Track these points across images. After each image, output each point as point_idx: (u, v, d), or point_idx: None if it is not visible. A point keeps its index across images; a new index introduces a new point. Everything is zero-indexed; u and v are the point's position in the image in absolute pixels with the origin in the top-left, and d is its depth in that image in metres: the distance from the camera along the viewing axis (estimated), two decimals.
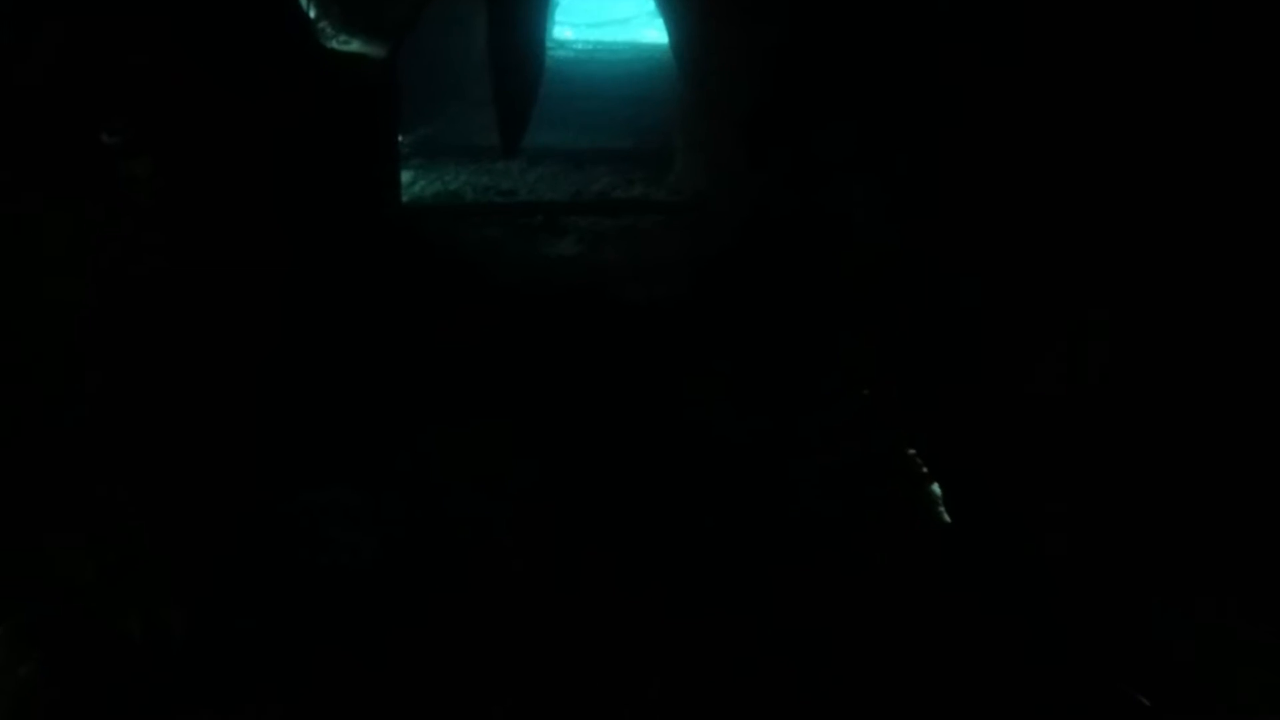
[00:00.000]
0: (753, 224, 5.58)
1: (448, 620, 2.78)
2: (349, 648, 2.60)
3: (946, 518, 3.37)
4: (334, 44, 5.27)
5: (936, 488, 3.50)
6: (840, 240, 4.36)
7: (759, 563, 3.14)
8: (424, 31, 8.51)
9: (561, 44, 12.18)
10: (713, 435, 3.95)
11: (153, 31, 2.76)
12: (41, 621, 2.91)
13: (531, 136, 8.50)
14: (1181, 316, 2.29)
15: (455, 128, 9.10)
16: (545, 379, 4.44)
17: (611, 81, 10.67)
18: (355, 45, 5.35)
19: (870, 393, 4.17)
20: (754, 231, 5.51)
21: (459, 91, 9.66)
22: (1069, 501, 2.78)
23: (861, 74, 3.95)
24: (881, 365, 4.11)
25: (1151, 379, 2.43)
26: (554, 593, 2.95)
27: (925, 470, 3.60)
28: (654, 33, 15.96)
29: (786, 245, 5.07)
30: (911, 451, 3.73)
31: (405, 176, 7.76)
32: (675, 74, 7.81)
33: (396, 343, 4.68)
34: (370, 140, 5.25)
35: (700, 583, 3.02)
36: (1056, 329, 2.83)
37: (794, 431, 3.96)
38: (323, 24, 5.30)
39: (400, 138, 8.51)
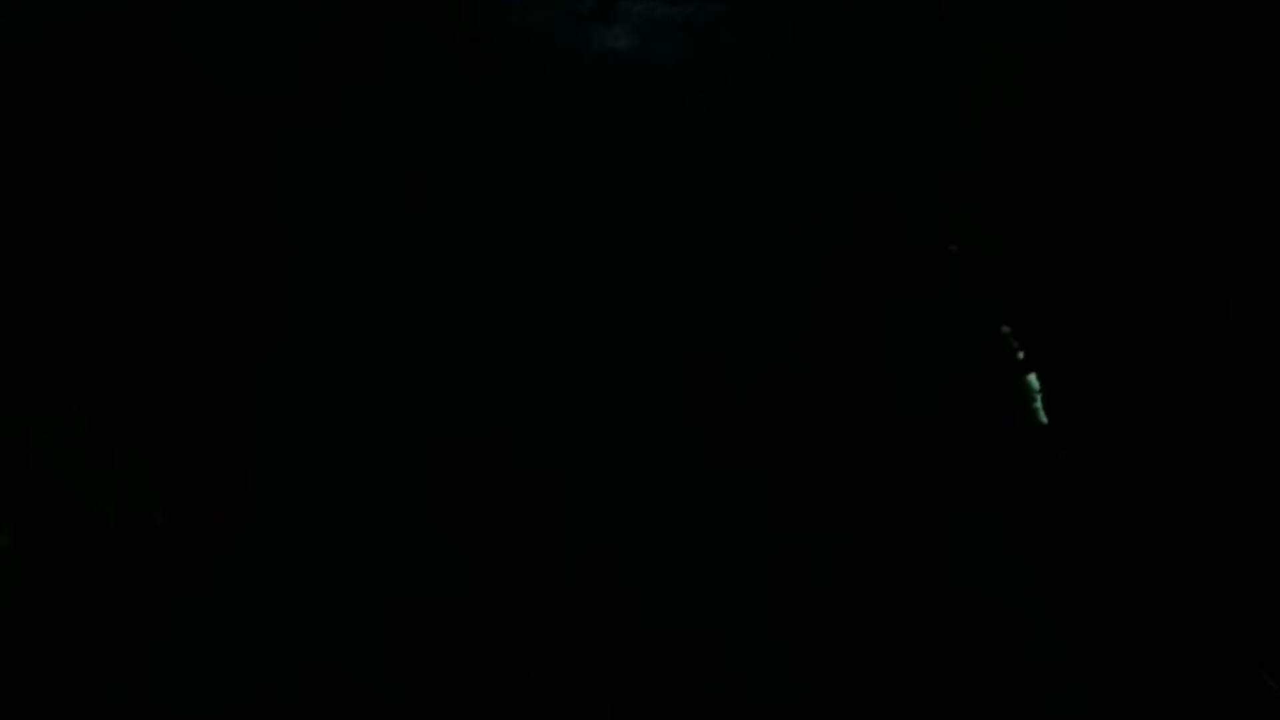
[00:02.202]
0: (844, 26, 4.74)
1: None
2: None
3: (1042, 418, 2.86)
4: None
5: (1034, 380, 2.97)
6: (967, 66, 3.59)
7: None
8: None
9: None
10: (760, 312, 3.40)
11: None
12: (14, 495, 2.58)
13: None
14: None
15: None
16: (572, 224, 3.86)
17: None
18: None
19: (961, 249, 3.55)
20: (845, 35, 4.68)
21: None
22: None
23: None
24: (984, 215, 3.46)
25: None
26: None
27: (1021, 356, 3.05)
28: None
29: (891, 60, 4.28)
30: (1006, 329, 3.16)
31: None
32: None
33: (409, 170, 4.09)
34: None
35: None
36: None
37: (858, 291, 3.40)
38: None
39: None
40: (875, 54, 4.37)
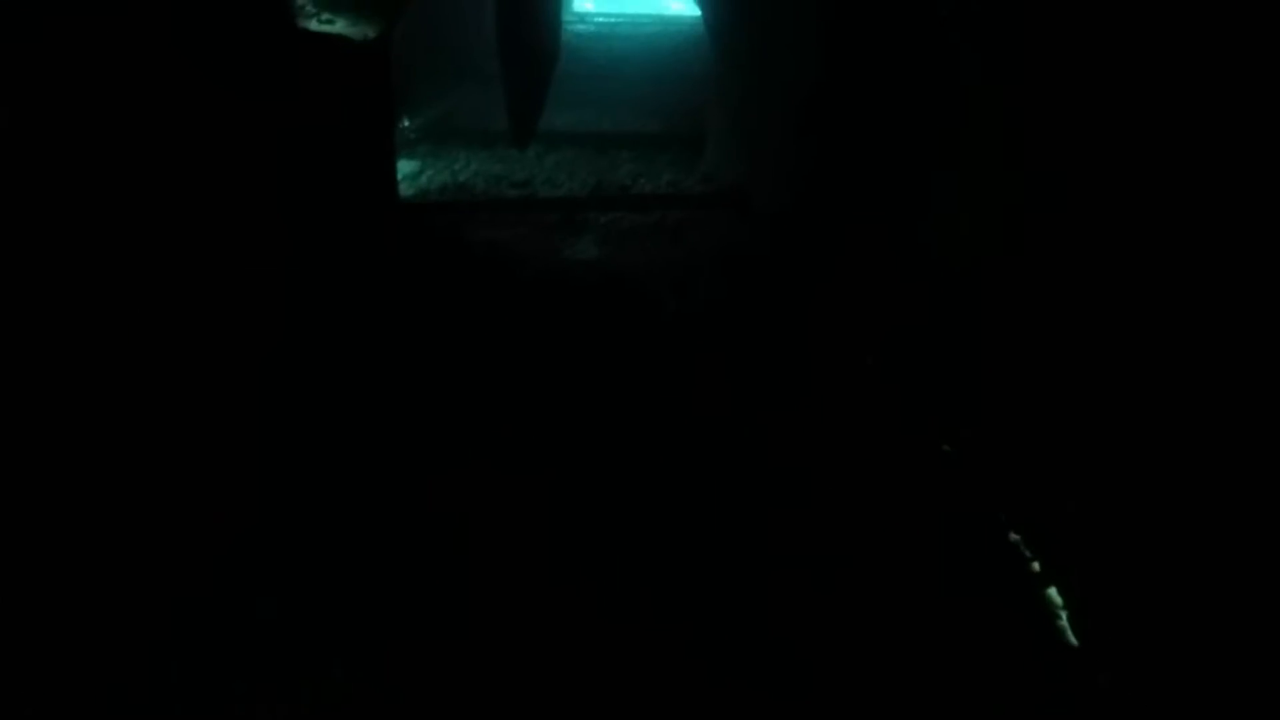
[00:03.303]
0: (803, 223, 4.72)
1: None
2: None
3: (1072, 640, 2.55)
4: (314, 24, 4.43)
5: (1054, 594, 2.67)
6: (927, 261, 3.50)
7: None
8: (432, 1, 7.66)
9: (581, 18, 11.22)
10: (740, 491, 3.14)
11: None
12: None
13: (549, 119, 7.60)
14: None
15: (468, 108, 8.24)
16: (554, 420, 3.64)
17: (636, 58, 9.74)
18: (340, 25, 4.50)
19: (958, 444, 3.33)
20: (804, 232, 4.66)
21: (472, 69, 8.80)
22: None
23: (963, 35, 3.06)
24: (978, 401, 3.26)
25: None
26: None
27: (1036, 566, 2.77)
28: (680, 4, 15.01)
29: (854, 251, 4.22)
30: (1015, 537, 2.89)
31: (411, 166, 6.95)
32: (706, 48, 6.93)
33: (384, 371, 3.89)
34: (356, 134, 4.42)
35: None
36: None
37: (842, 490, 3.14)
38: (301, 1, 4.46)
39: (406, 122, 7.71)
40: (846, 241, 4.31)
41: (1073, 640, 2.53)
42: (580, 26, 10.62)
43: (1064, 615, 2.60)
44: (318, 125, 3.77)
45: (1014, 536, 2.89)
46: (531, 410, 3.66)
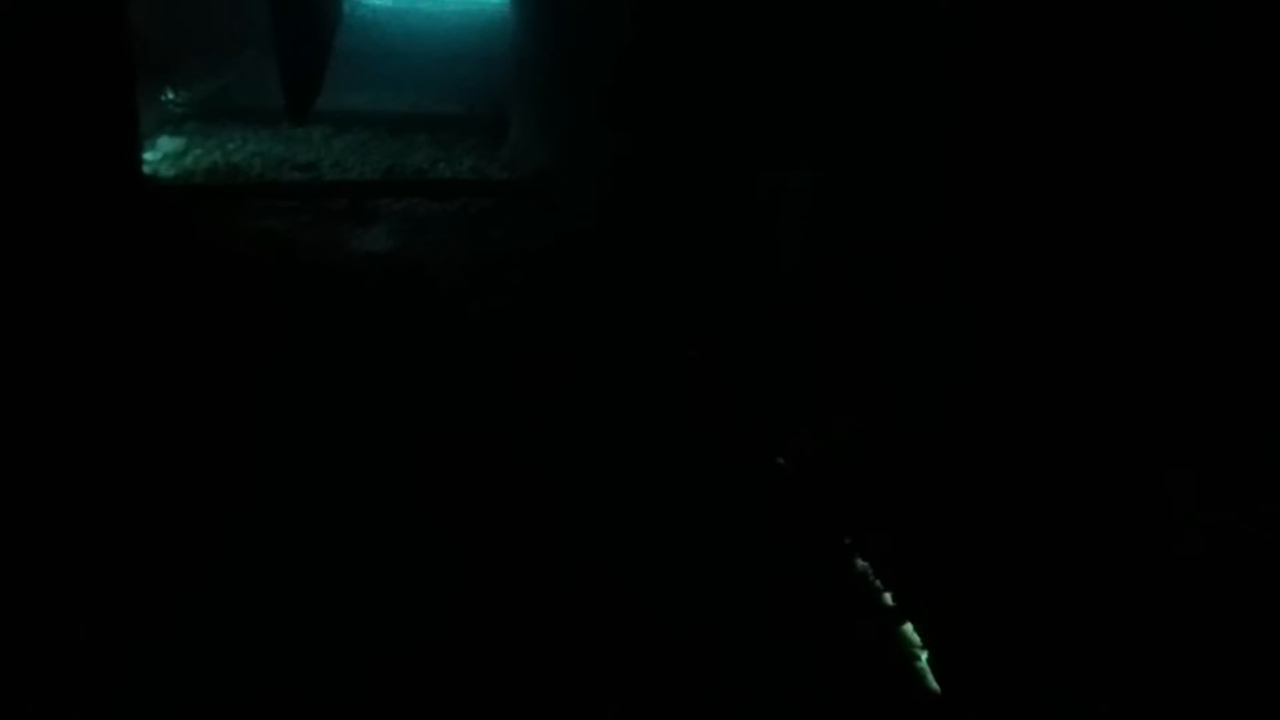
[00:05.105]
0: (617, 213, 4.26)
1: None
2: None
3: (934, 685, 2.19)
4: None
5: (910, 629, 2.32)
6: (755, 250, 3.10)
7: None
8: None
9: None
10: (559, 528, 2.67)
11: None
12: None
13: (340, 98, 6.83)
14: None
15: (248, 82, 7.30)
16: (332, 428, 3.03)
17: (437, 35, 9.03)
18: None
19: (797, 469, 2.95)
20: (619, 224, 4.21)
21: (253, 38, 7.83)
22: None
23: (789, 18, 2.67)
24: (820, 429, 2.89)
25: None
26: None
27: (891, 602, 2.41)
28: None
29: (670, 246, 3.79)
30: (863, 564, 2.53)
31: (175, 144, 6.02)
32: (512, 25, 6.36)
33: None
34: (75, 96, 3.58)
35: None
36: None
37: (679, 535, 2.72)
38: None
39: (172, 95, 6.73)
40: (663, 234, 3.89)
41: (933, 686, 2.18)
42: (378, 1, 9.79)
43: (924, 657, 2.25)
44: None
45: (861, 564, 2.52)
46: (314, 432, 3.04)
